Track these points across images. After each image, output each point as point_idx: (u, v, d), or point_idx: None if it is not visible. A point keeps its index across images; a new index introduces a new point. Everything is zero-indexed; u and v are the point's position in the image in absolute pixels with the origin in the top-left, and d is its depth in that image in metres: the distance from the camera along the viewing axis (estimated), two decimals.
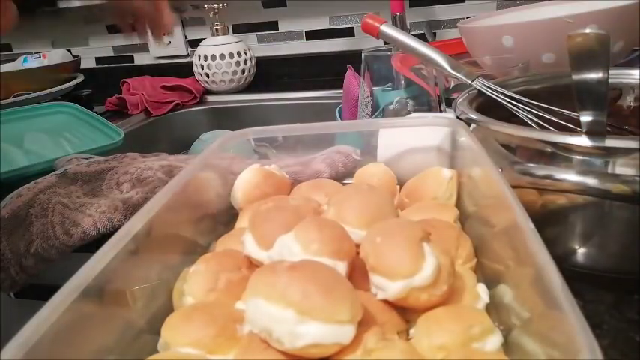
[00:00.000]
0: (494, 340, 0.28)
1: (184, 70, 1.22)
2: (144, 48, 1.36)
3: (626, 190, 0.32)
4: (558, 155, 0.37)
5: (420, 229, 0.31)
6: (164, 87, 1.13)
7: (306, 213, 0.36)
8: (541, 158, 0.38)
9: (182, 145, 1.02)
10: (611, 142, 0.33)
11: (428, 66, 0.62)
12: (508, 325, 0.30)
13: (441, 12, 1.13)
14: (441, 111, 0.64)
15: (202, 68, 1.13)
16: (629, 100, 0.49)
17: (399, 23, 0.95)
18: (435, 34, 1.13)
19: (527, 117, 0.44)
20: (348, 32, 1.21)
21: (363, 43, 1.15)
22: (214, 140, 0.48)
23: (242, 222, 0.44)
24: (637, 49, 0.73)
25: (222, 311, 0.30)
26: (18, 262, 0.49)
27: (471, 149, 0.40)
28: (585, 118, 0.36)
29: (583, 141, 0.34)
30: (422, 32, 1.12)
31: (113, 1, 0.64)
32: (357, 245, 0.33)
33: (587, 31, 0.34)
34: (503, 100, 0.46)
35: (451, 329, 0.28)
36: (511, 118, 0.44)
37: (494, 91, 0.47)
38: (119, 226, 0.50)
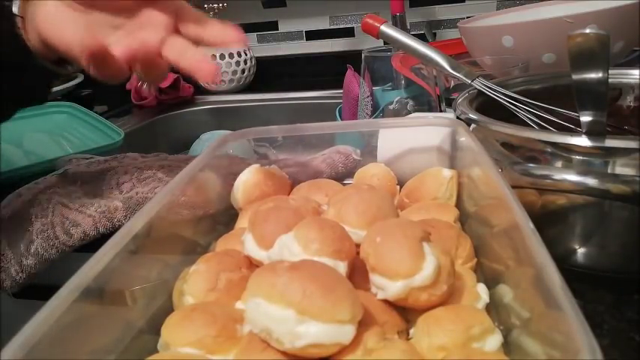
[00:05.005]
0: (494, 340, 0.28)
1: None
2: None
3: (626, 190, 0.32)
4: (558, 155, 0.37)
5: (420, 229, 0.31)
6: None
7: (306, 213, 0.36)
8: (541, 158, 0.38)
9: (182, 145, 1.02)
10: (611, 142, 0.33)
11: (428, 66, 0.62)
12: (508, 325, 0.30)
13: (441, 12, 1.13)
14: (441, 111, 0.64)
15: None
16: (629, 100, 0.49)
17: (399, 23, 0.95)
18: (435, 34, 1.13)
19: (527, 117, 0.44)
20: (348, 32, 1.20)
21: (363, 43, 1.15)
22: (214, 140, 0.48)
23: (242, 222, 0.44)
24: (637, 49, 0.73)
25: (222, 311, 0.30)
26: (18, 262, 0.49)
27: (471, 149, 0.40)
28: (585, 118, 0.36)
29: (583, 141, 0.34)
30: (422, 32, 1.12)
31: None
32: (357, 245, 0.33)
33: (587, 31, 0.34)
34: (503, 100, 0.46)
35: (451, 329, 0.28)
36: (511, 118, 0.44)
37: (494, 91, 0.47)
38: (119, 226, 0.50)
